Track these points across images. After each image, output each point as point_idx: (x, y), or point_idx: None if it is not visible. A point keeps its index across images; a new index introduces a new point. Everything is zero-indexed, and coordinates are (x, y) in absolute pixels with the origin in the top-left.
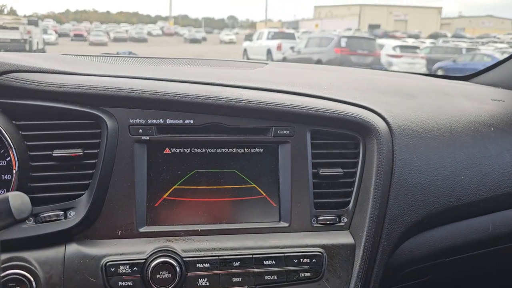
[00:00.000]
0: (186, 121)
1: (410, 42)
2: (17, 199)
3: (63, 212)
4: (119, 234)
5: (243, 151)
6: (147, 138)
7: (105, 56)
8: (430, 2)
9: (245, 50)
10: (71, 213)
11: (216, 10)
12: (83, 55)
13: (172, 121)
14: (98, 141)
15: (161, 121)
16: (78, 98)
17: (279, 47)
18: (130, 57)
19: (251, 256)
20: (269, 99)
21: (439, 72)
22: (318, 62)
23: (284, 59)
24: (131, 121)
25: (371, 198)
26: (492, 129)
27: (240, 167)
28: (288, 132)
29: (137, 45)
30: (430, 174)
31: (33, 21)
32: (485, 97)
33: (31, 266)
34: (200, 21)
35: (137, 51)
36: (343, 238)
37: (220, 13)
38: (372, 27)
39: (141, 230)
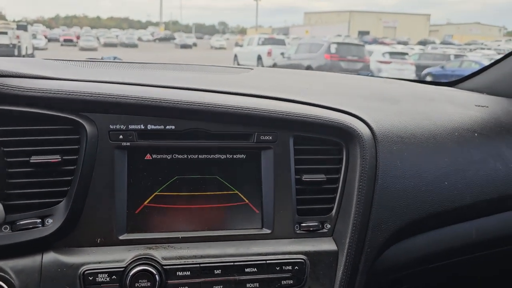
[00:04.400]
0: (168, 127)
1: (399, 48)
2: None
3: (40, 220)
4: (99, 241)
5: (225, 157)
6: (128, 144)
7: (90, 61)
8: (419, 9)
9: (235, 56)
10: (49, 221)
11: (206, 16)
12: (67, 60)
13: (153, 127)
14: (77, 147)
15: (142, 126)
16: (56, 103)
17: (269, 53)
18: (114, 62)
19: (232, 263)
20: (251, 104)
21: (428, 78)
22: (308, 68)
23: (275, 65)
24: (111, 126)
25: (354, 204)
26: (476, 134)
27: (222, 173)
28: (270, 138)
29: (127, 50)
30: (414, 180)
31: (22, 26)
32: (469, 103)
33: (6, 275)
34: (190, 27)
35: (127, 56)
36: (326, 245)
37: (211, 19)
38: (362, 33)
39: (121, 237)
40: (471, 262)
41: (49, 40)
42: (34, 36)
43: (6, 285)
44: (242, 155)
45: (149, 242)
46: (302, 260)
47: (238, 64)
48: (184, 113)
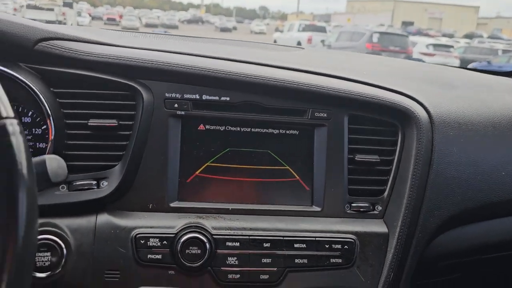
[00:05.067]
0: (222, 98)
1: (444, 41)
2: (54, 162)
3: (96, 182)
4: (150, 207)
5: (278, 132)
6: (182, 113)
7: (142, 33)
8: (467, 0)
9: (275, 41)
10: (104, 183)
11: (248, 0)
12: (120, 31)
13: (208, 97)
14: (133, 113)
15: (197, 96)
16: (116, 69)
17: (309, 40)
18: (166, 34)
19: (282, 238)
20: (307, 80)
21: None
22: None
23: None
24: (167, 95)
25: (408, 188)
26: None
27: (274, 148)
28: (325, 115)
29: (168, 31)
30: (470, 167)
31: (68, 3)
32: None
33: (62, 233)
34: (231, 10)
35: None
36: (377, 226)
37: (252, 3)
38: (406, 23)
39: (172, 205)
40: None
41: (93, 18)
42: (79, 14)
43: (62, 242)
44: (295, 131)
45: (199, 212)
46: (352, 240)
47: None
48: (240, 85)
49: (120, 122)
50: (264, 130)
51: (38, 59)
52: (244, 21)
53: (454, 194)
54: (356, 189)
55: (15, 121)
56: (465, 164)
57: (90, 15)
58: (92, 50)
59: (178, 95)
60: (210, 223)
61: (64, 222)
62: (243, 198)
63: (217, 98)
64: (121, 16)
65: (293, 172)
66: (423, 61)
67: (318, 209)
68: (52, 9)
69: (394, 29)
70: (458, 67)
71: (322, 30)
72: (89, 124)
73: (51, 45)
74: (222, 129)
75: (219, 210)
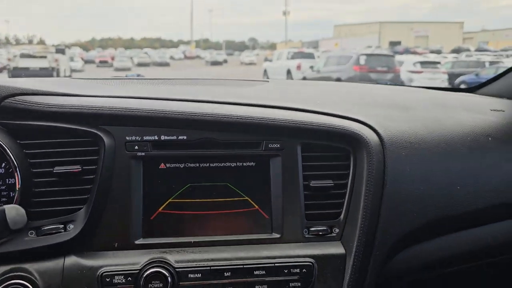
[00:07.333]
0: (180, 137)
1: (432, 57)
2: (12, 211)
3: (63, 225)
4: (116, 246)
5: (235, 164)
6: (143, 154)
7: (114, 78)
8: (451, 17)
9: (265, 71)
10: (70, 226)
11: (237, 33)
12: (93, 78)
13: (166, 138)
14: (96, 157)
15: (156, 137)
16: (77, 118)
17: (298, 67)
18: (136, 79)
19: (242, 266)
20: (259, 114)
21: (462, 87)
22: (338, 80)
23: (304, 79)
24: (127, 138)
25: (361, 209)
26: (490, 139)
27: (233, 180)
28: (278, 145)
29: (159, 69)
30: (424, 184)
31: (60, 49)
32: (486, 108)
33: (31, 277)
34: (221, 44)
35: (159, 75)
36: (334, 248)
37: (241, 35)
38: (393, 43)
39: (137, 242)
40: (486, 267)
41: (86, 62)
42: (71, 59)
43: (31, 285)
44: (252, 163)
45: (163, 247)
46: (310, 263)
47: (268, 79)
48: (195, 124)
49: (83, 167)
50: (222, 164)
51: (5, 114)
52: (234, 53)
53: (410, 211)
54: (313, 214)
55: None
56: (419, 182)
57: (82, 59)
58: (55, 102)
59: (138, 138)
60: (173, 257)
61: (33, 266)
62: (206, 231)
63: (174, 137)
64: (113, 58)
65: (252, 202)
66: (412, 80)
67: (278, 235)
68: (45, 57)
69: (381, 49)
70: (419, 87)
71: (311, 56)
72: (54, 171)
73: (16, 101)
74: (182, 166)
75: (182, 244)
